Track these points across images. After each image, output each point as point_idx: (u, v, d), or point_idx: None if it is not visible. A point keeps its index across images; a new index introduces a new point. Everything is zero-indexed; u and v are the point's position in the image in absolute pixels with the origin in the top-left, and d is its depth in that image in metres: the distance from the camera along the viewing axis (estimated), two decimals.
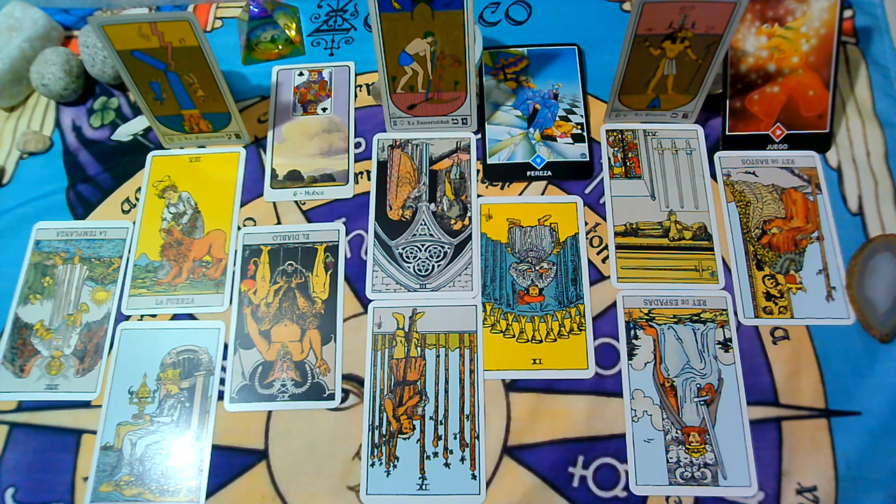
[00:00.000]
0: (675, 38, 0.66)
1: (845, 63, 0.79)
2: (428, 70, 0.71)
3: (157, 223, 0.75)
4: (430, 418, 0.64)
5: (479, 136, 0.77)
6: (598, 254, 0.71)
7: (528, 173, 0.75)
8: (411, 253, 0.72)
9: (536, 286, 0.69)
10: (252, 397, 0.66)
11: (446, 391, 0.65)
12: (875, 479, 0.61)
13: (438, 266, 0.71)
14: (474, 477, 0.62)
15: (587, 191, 0.74)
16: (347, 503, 0.62)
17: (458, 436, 0.64)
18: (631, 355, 0.66)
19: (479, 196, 0.74)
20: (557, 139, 0.76)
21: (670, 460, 0.62)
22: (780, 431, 0.63)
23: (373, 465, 0.63)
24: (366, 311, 0.69)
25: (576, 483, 0.62)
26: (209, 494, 0.63)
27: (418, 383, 0.66)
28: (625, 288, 0.69)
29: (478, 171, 0.75)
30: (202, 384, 0.67)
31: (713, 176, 0.74)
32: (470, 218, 0.73)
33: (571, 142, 0.76)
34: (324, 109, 0.80)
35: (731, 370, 0.65)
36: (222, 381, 0.67)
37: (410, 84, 0.72)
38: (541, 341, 0.67)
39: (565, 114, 0.78)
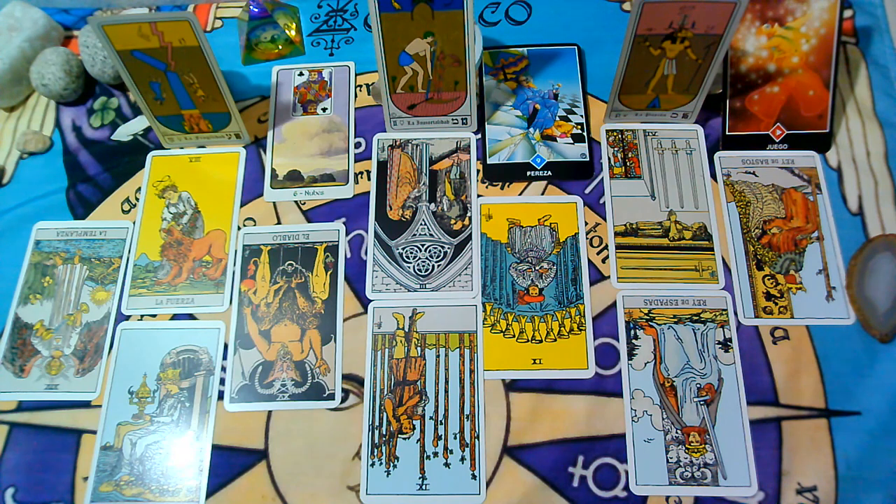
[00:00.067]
0: (675, 38, 0.66)
1: (845, 63, 0.79)
2: (428, 70, 0.71)
3: (157, 223, 0.75)
4: (430, 418, 0.64)
5: (479, 136, 0.77)
6: (598, 254, 0.71)
7: (528, 173, 0.75)
8: (411, 253, 0.72)
9: (536, 286, 0.69)
10: (252, 397, 0.66)
11: (446, 391, 0.65)
12: (875, 479, 0.61)
13: (438, 266, 0.71)
14: (474, 477, 0.62)
15: (587, 191, 0.74)
16: (347, 503, 0.62)
17: (458, 436, 0.64)
18: (631, 355, 0.66)
19: (479, 196, 0.74)
20: (557, 139, 0.76)
21: (670, 460, 0.62)
22: (780, 431, 0.63)
23: (373, 465, 0.63)
24: (366, 311, 0.69)
25: (576, 483, 0.62)
26: (209, 494, 0.63)
27: (418, 383, 0.66)
28: (625, 288, 0.69)
29: (478, 171, 0.75)
30: (202, 384, 0.67)
31: (713, 176, 0.74)
32: (470, 218, 0.73)
33: (571, 142, 0.76)
34: (324, 109, 0.80)
35: (731, 370, 0.65)
36: (222, 381, 0.67)
37: (410, 84, 0.72)
38: (541, 341, 0.67)
39: (565, 114, 0.78)
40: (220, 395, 0.67)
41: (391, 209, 0.74)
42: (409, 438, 0.64)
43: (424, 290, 0.70)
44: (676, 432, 0.63)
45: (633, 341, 0.66)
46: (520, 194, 0.74)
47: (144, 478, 0.64)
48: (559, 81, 0.80)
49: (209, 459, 0.64)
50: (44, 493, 0.64)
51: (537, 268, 0.70)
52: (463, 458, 0.63)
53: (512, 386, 0.65)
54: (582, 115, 0.78)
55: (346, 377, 0.67)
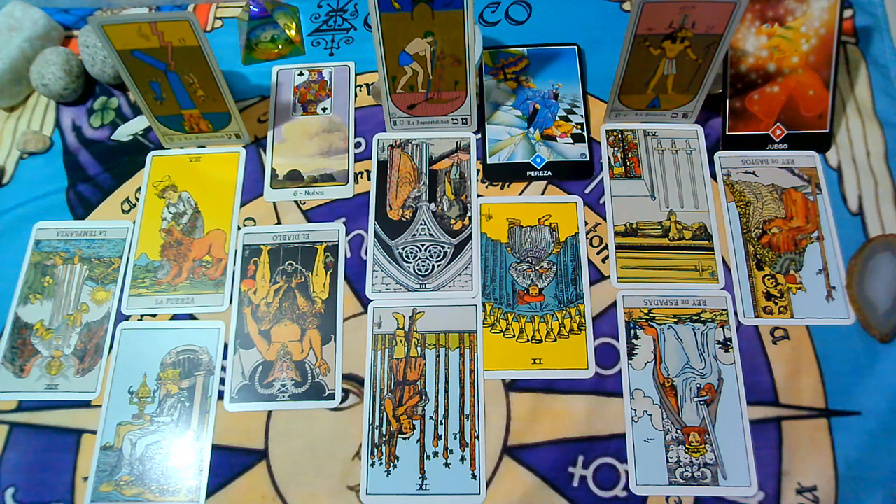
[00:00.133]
0: (675, 38, 0.66)
1: (845, 63, 0.79)
2: (428, 70, 0.71)
3: (157, 223, 0.75)
4: (430, 418, 0.64)
5: (479, 135, 0.77)
6: (598, 254, 0.71)
7: (528, 173, 0.75)
8: (411, 253, 0.72)
9: (536, 286, 0.69)
10: (252, 397, 0.66)
11: (446, 391, 0.65)
12: (875, 479, 0.61)
13: (438, 266, 0.71)
14: (474, 477, 0.62)
15: (587, 191, 0.74)
16: (347, 503, 0.62)
17: (458, 436, 0.64)
18: (631, 355, 0.66)
19: (479, 196, 0.74)
20: (557, 139, 0.76)
21: (670, 460, 0.62)
22: (780, 431, 0.63)
23: (373, 464, 0.63)
24: (366, 311, 0.69)
25: (576, 483, 0.62)
26: (209, 494, 0.63)
27: (418, 383, 0.66)
28: (625, 288, 0.69)
29: (478, 170, 0.75)
30: (202, 384, 0.67)
31: (713, 176, 0.74)
32: (470, 218, 0.73)
33: (571, 142, 0.76)
34: (324, 109, 0.80)
35: (731, 370, 0.65)
36: (222, 381, 0.67)
37: (410, 84, 0.72)
38: (541, 341, 0.67)
39: (565, 114, 0.78)
40: (220, 395, 0.67)
41: (391, 209, 0.74)
42: (409, 438, 0.64)
43: (424, 290, 0.70)
44: (676, 432, 0.63)
45: (633, 341, 0.66)
46: (520, 194, 0.74)
47: (144, 478, 0.64)
48: (559, 81, 0.80)
49: (209, 459, 0.64)
50: (44, 493, 0.64)
51: (537, 268, 0.70)
52: (463, 458, 0.63)
53: (512, 386, 0.65)
54: (582, 115, 0.78)
55: (346, 377, 0.67)
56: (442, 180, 0.75)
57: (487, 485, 0.62)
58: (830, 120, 0.74)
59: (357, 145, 0.78)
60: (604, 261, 0.70)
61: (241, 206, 0.76)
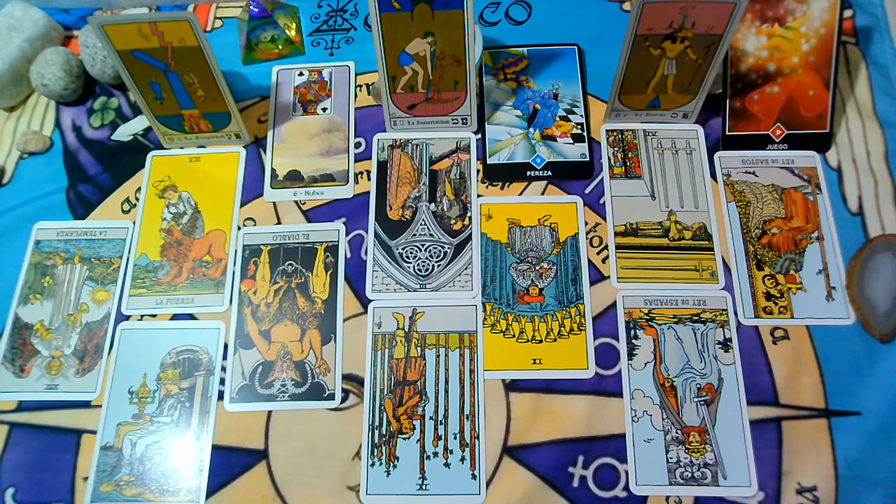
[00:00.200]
0: (675, 38, 0.66)
1: (845, 63, 0.79)
2: (428, 70, 0.71)
3: (157, 223, 0.75)
4: (430, 418, 0.64)
5: (479, 136, 0.77)
6: (598, 254, 0.71)
7: (528, 173, 0.75)
8: (411, 253, 0.72)
9: (536, 286, 0.69)
10: (252, 397, 0.66)
11: (446, 391, 0.65)
12: (875, 479, 0.61)
13: (438, 266, 0.71)
14: (474, 477, 0.62)
15: (587, 191, 0.74)
16: (347, 503, 0.62)
17: (458, 436, 0.64)
18: (631, 355, 0.66)
19: (479, 196, 0.74)
20: (557, 139, 0.76)
21: (670, 460, 0.62)
22: (780, 431, 0.63)
23: (373, 465, 0.63)
24: (366, 311, 0.69)
25: (576, 483, 0.62)
26: (209, 494, 0.63)
27: (418, 383, 0.66)
28: (625, 288, 0.69)
29: (478, 171, 0.75)
30: (202, 384, 0.67)
31: (713, 176, 0.74)
32: (470, 218, 0.73)
33: (571, 142, 0.76)
34: (324, 109, 0.80)
35: (731, 370, 0.65)
36: (222, 381, 0.67)
37: (410, 84, 0.72)
38: (541, 341, 0.67)
39: (565, 114, 0.78)
40: (220, 395, 0.67)
41: (391, 209, 0.74)
42: (409, 438, 0.64)
43: (424, 290, 0.70)
44: (676, 432, 0.63)
45: (633, 341, 0.66)
46: (520, 194, 0.74)
47: (144, 478, 0.64)
48: (559, 81, 0.80)
49: (209, 459, 0.64)
50: (44, 493, 0.64)
51: (537, 268, 0.70)
52: (463, 458, 0.63)
53: (512, 386, 0.65)
54: (582, 115, 0.78)
55: (346, 377, 0.67)
56: (442, 180, 0.75)
57: (487, 485, 0.62)
58: (830, 120, 0.74)
59: (357, 145, 0.78)
60: (604, 261, 0.70)
61: (241, 206, 0.76)
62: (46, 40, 0.84)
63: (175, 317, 0.70)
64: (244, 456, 0.64)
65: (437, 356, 0.67)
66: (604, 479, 0.62)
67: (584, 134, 0.77)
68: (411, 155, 0.77)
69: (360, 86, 0.82)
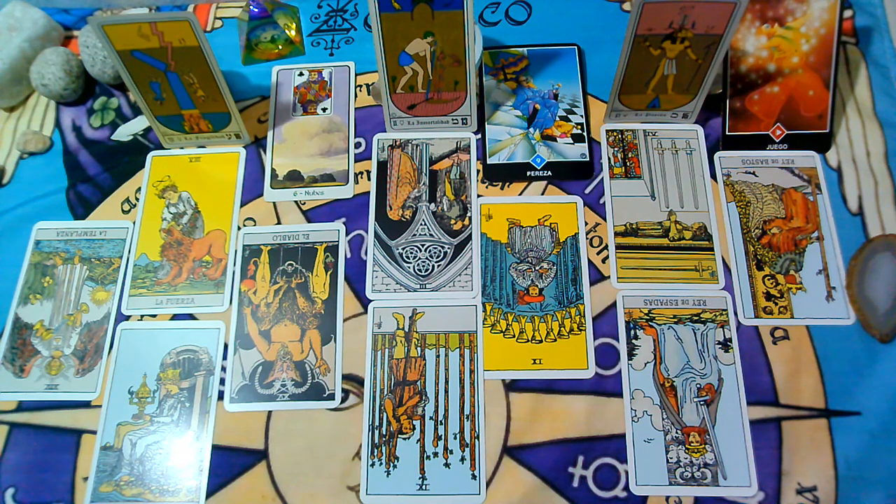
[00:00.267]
0: (675, 38, 0.66)
1: (845, 63, 0.79)
2: (428, 70, 0.71)
3: (157, 223, 0.75)
4: (430, 418, 0.64)
5: (479, 136, 0.77)
6: (598, 254, 0.71)
7: (528, 173, 0.75)
8: (411, 253, 0.72)
9: (536, 286, 0.69)
10: (252, 397, 0.66)
11: (446, 391, 0.65)
12: (875, 479, 0.61)
13: (438, 266, 0.71)
14: (474, 477, 0.62)
15: (587, 191, 0.74)
16: (347, 503, 0.62)
17: (458, 436, 0.64)
18: (631, 355, 0.66)
19: (479, 196, 0.74)
20: (557, 139, 0.76)
21: (670, 460, 0.62)
22: (780, 431, 0.63)
23: (373, 465, 0.63)
24: (366, 311, 0.69)
25: (576, 483, 0.62)
26: (209, 494, 0.63)
27: (418, 383, 0.66)
28: (625, 288, 0.69)
29: (478, 171, 0.75)
30: (202, 384, 0.67)
31: (713, 176, 0.74)
32: (470, 218, 0.73)
33: (571, 142, 0.76)
34: (324, 109, 0.80)
35: (731, 370, 0.65)
36: (222, 381, 0.67)
37: (410, 84, 0.72)
38: (541, 341, 0.67)
39: (565, 114, 0.78)
40: (220, 395, 0.67)
41: (391, 209, 0.74)
42: (409, 438, 0.64)
43: (424, 290, 0.70)
44: (676, 432, 0.63)
45: (633, 341, 0.66)
46: (520, 194, 0.74)
47: (144, 478, 0.64)
48: (559, 81, 0.80)
49: (209, 459, 0.64)
50: (44, 494, 0.64)
51: (537, 268, 0.70)
52: (463, 459, 0.63)
53: (512, 386, 0.65)
54: (582, 115, 0.78)
55: (346, 377, 0.67)
56: (442, 180, 0.75)
57: (487, 485, 0.62)
58: (830, 120, 0.74)
59: (357, 145, 0.78)
60: (604, 261, 0.70)
61: (241, 206, 0.76)
62: (46, 40, 0.84)
63: (175, 317, 0.70)
64: (244, 456, 0.64)
65: (437, 356, 0.67)
66: (604, 479, 0.62)
67: (584, 134, 0.77)
68: (411, 155, 0.77)
69: (360, 86, 0.82)
